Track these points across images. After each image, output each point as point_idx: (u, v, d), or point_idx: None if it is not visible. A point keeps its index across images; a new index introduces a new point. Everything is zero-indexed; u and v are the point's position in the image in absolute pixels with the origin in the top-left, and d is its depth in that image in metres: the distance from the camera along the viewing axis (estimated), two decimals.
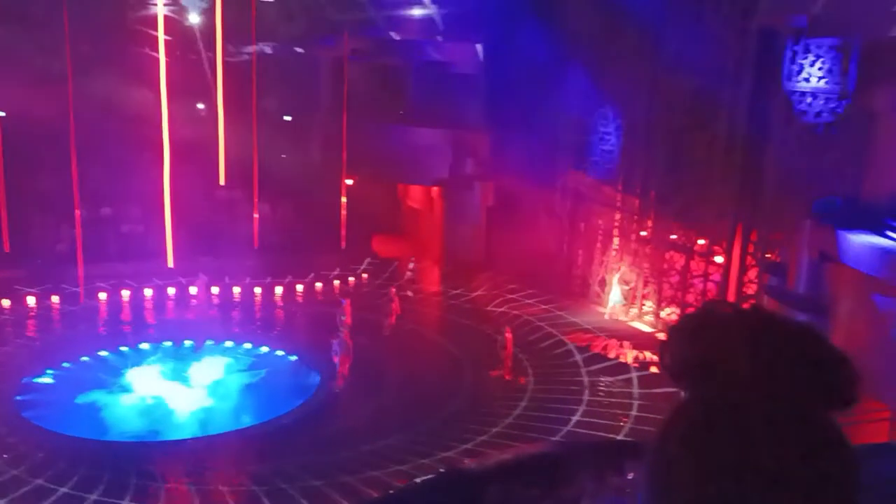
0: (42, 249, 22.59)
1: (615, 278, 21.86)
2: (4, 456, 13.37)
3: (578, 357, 18.85)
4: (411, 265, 24.46)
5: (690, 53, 18.28)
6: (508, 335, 17.76)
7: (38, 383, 16.75)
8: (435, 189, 25.62)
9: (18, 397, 15.93)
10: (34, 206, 22.32)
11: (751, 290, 18.61)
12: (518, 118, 22.82)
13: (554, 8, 21.98)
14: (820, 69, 16.11)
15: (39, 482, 12.73)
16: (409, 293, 22.66)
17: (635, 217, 21.64)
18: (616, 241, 22.36)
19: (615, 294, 21.77)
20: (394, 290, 21.43)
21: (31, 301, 21.11)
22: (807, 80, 16.35)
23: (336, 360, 17.29)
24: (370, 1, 24.72)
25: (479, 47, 25.32)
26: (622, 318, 21.46)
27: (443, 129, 25.03)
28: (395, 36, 25.82)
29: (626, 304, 21.60)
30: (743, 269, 18.79)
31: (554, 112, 22.40)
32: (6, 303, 20.85)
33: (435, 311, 22.89)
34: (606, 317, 21.56)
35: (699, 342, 1.15)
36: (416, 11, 25.20)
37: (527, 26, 21.76)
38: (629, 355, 18.85)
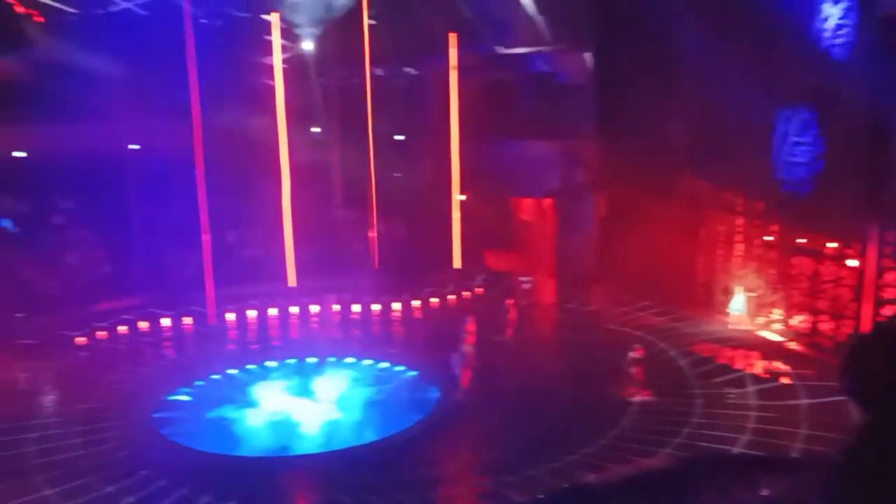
0: (174, 274, 23.80)
1: (739, 286, 21.08)
2: (143, 472, 14.09)
3: (701, 368, 18.25)
4: (525, 278, 24.38)
5: (809, 46, 17.48)
6: (637, 352, 17.34)
7: (174, 401, 17.62)
8: (547, 201, 25.49)
9: (156, 414, 16.79)
10: (165, 233, 23.56)
11: (889, 294, 17.53)
12: (630, 125, 22.42)
13: (663, 9, 21.50)
14: None
15: (176, 496, 13.35)
16: (524, 305, 22.57)
17: (758, 221, 20.82)
18: (739, 247, 21.57)
19: (739, 302, 20.98)
20: (509, 303, 21.39)
21: (165, 323, 22.28)
22: None
23: (456, 373, 17.45)
24: (476, 16, 24.91)
25: (587, 56, 25.08)
26: (748, 327, 20.64)
27: (553, 140, 24.91)
28: (502, 50, 25.91)
29: (752, 312, 20.77)
30: (879, 273, 17.73)
31: (668, 115, 21.89)
32: (144, 325, 22.10)
33: (551, 324, 22.72)
34: (731, 326, 20.81)
35: None
36: (523, 23, 25.22)
37: (638, 29, 21.39)
38: (757, 366, 18.10)
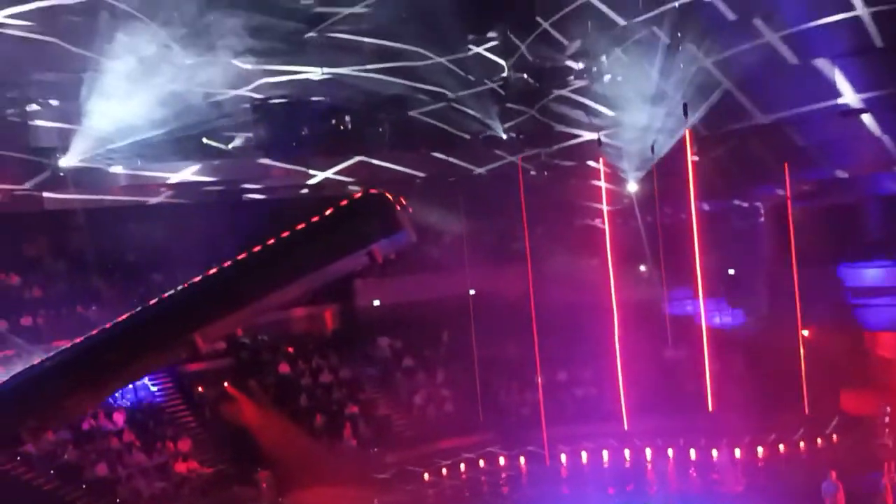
0: (509, 413, 24.62)
1: None
2: None
3: None
4: (888, 409, 21.56)
5: None
6: None
7: None
8: None
9: None
10: (502, 373, 24.60)
11: None
12: None
13: None
14: None
15: None
16: (889, 443, 19.88)
17: None
18: None
19: None
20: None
21: (501, 461, 22.93)
22: None
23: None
24: (812, 142, 23.76)
25: None
26: None
27: None
28: (842, 174, 24.27)
29: None
30: None
31: None
32: (482, 463, 22.96)
33: None
34: None
35: None
36: (866, 144, 23.53)
37: None
38: None
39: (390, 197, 6.72)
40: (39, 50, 22.93)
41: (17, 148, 23.79)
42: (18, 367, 22.04)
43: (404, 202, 6.94)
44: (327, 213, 6.86)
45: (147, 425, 22.56)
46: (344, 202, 6.90)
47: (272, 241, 7.02)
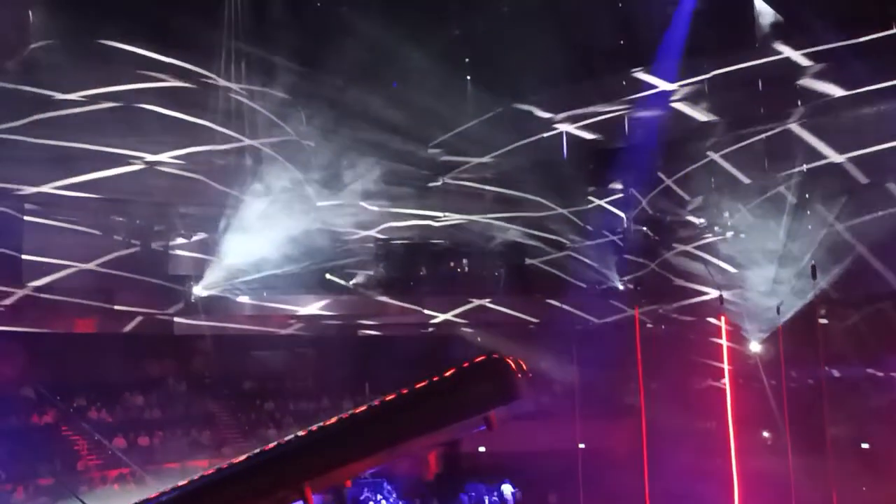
0: None
1: None
2: None
3: None
4: None
5: None
6: None
7: None
8: None
9: None
10: None
11: None
12: None
13: None
14: None
15: None
16: None
17: None
18: None
19: None
20: None
21: None
22: None
23: None
24: None
25: None
26: None
27: None
28: None
29: None
30: None
31: None
32: None
33: None
34: None
35: None
36: None
37: None
38: None
39: (511, 363, 6.66)
40: (187, 185, 24.80)
41: (158, 275, 25.39)
42: (131, 486, 22.55)
43: (525, 367, 6.87)
44: (447, 374, 6.86)
45: None
46: (465, 364, 6.89)
47: (391, 397, 7.05)
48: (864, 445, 24.62)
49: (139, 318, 25.29)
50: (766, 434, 25.28)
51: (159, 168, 24.03)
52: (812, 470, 22.25)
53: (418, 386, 7.13)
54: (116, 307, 24.72)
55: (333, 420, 7.35)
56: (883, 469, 23.96)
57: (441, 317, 27.71)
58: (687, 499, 22.83)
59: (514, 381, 6.84)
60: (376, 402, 7.17)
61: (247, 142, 25.14)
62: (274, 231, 24.38)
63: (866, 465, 23.80)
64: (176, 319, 25.76)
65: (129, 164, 23.64)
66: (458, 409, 7.00)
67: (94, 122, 22.92)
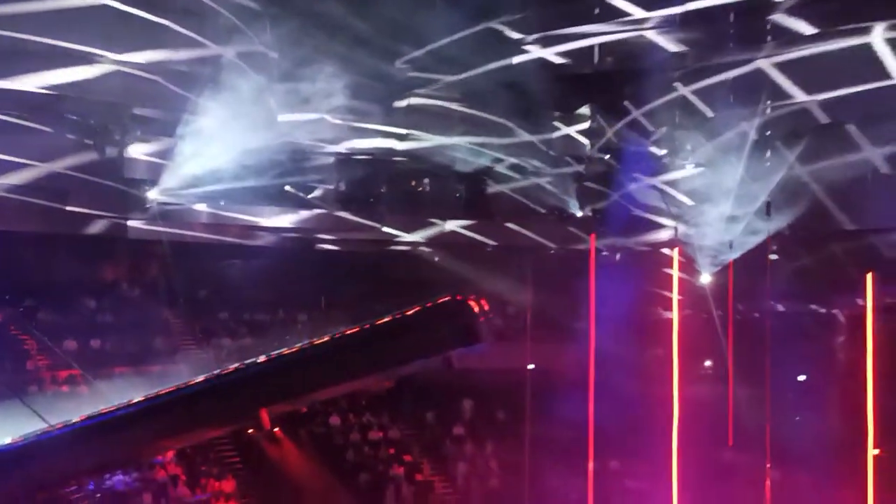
0: (556, 496, 23.97)
1: None
2: None
3: None
4: None
5: None
6: None
7: None
8: None
9: None
10: (549, 456, 24.08)
11: None
12: None
13: None
14: None
15: None
16: None
17: None
18: None
19: None
20: None
21: None
22: None
23: None
24: None
25: None
26: None
27: None
28: None
29: None
30: None
31: None
32: None
33: None
34: None
35: None
36: None
37: None
38: None
39: (474, 305, 6.75)
40: (145, 87, 23.96)
41: (112, 178, 24.80)
42: (82, 388, 22.48)
43: (487, 308, 6.97)
44: (410, 312, 6.93)
45: (194, 461, 22.75)
46: (429, 304, 6.96)
47: (353, 331, 7.12)
48: (801, 378, 25.68)
49: (93, 221, 24.85)
50: (707, 363, 26.15)
51: (116, 67, 23.15)
52: (750, 399, 23.18)
53: (381, 322, 7.19)
54: (69, 208, 24.20)
55: (294, 349, 7.41)
56: (817, 400, 25.05)
57: (400, 235, 27.73)
58: (628, 419, 23.68)
59: (476, 324, 6.94)
60: (338, 335, 7.23)
61: (210, 46, 24.28)
62: (234, 141, 23.87)
63: (802, 396, 24.87)
64: (130, 223, 25.36)
65: (88, 62, 22.73)
66: (419, 349, 7.11)
67: (51, 18, 21.91)
